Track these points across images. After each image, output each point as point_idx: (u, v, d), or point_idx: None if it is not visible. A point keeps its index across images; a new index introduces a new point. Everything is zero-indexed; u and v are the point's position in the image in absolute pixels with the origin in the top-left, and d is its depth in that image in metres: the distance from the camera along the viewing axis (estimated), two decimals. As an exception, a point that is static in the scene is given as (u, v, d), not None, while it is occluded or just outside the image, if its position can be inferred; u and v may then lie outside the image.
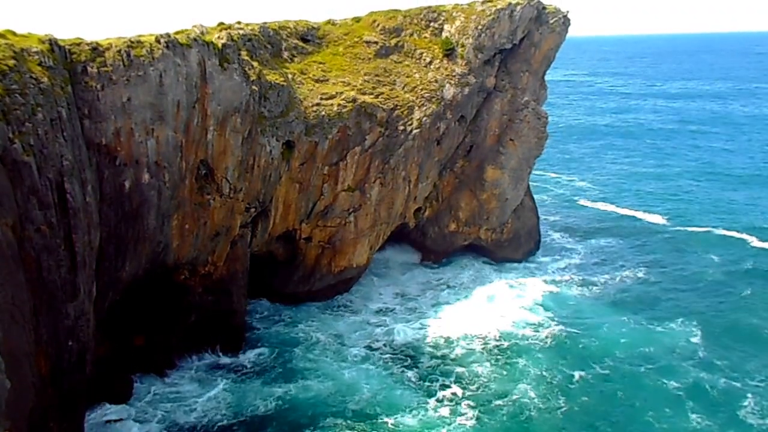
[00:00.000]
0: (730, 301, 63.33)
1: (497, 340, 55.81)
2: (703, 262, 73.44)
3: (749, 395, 46.82)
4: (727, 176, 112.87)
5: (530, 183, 78.05)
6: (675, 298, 63.94)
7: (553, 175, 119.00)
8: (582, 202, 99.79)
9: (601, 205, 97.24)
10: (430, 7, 69.98)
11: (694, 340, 55.26)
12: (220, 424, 44.29)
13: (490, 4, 67.28)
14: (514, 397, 47.19)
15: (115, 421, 43.70)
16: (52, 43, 35.13)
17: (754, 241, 78.96)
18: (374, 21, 68.53)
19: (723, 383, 48.48)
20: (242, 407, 46.21)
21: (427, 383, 49.16)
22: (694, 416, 44.43)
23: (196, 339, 53.50)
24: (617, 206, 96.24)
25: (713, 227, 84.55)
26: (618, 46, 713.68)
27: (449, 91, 64.26)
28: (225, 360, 53.00)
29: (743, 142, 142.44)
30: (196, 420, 44.60)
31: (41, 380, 33.78)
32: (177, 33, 43.93)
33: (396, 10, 70.21)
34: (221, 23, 54.23)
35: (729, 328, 57.56)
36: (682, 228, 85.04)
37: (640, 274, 70.26)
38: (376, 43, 65.80)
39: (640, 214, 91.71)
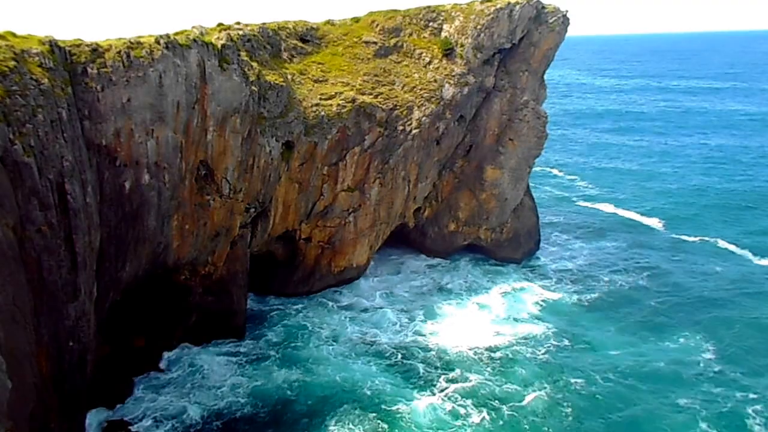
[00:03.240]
0: (736, 310, 61.34)
1: (495, 348, 54.32)
2: (704, 271, 71.16)
3: (761, 408, 45.44)
4: (728, 182, 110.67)
5: (530, 182, 77.79)
6: (678, 308, 62.00)
7: (556, 171, 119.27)
8: (582, 203, 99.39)
9: (602, 206, 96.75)
10: (429, 7, 70.08)
11: (703, 351, 53.62)
12: (240, 412, 45.34)
13: (489, 3, 67.29)
14: (514, 405, 46.15)
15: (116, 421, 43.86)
16: (52, 45, 35.22)
17: (757, 251, 76.99)
18: (373, 21, 68.65)
19: (739, 396, 46.88)
20: (260, 396, 46.99)
21: (428, 385, 48.82)
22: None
23: (196, 340, 53.72)
24: (617, 207, 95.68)
25: (715, 235, 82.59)
26: (619, 46, 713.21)
27: (448, 91, 64.33)
28: (235, 350, 53.70)
29: (748, 146, 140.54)
30: (218, 406, 45.94)
31: (42, 381, 33.84)
32: (176, 34, 44.06)
33: (395, 10, 70.34)
34: (220, 24, 54.28)
35: (737, 338, 55.54)
36: (683, 234, 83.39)
37: (642, 281, 68.50)
38: (375, 43, 65.90)
39: (640, 218, 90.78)
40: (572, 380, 49.19)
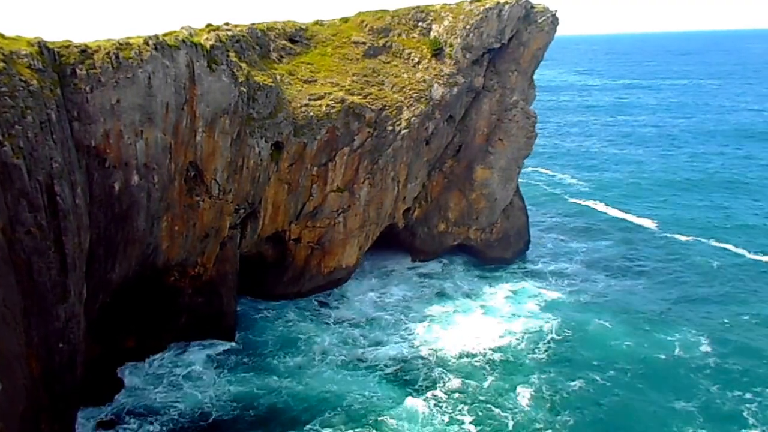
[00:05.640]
0: (732, 306, 61.33)
1: (492, 348, 53.68)
2: (699, 269, 71.31)
3: (757, 407, 45.41)
4: (722, 181, 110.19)
5: (520, 179, 77.67)
6: (675, 306, 62.07)
7: (545, 170, 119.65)
8: (572, 201, 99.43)
9: (592, 204, 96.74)
10: (418, 7, 70.27)
11: (700, 347, 53.67)
12: (227, 413, 45.30)
13: (478, 3, 67.53)
14: (513, 409, 45.53)
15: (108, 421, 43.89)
16: (41, 46, 35.20)
17: (751, 248, 77.05)
18: (362, 21, 68.80)
19: (736, 392, 47.00)
20: (248, 398, 46.94)
21: (424, 391, 48.09)
22: (702, 432, 43.21)
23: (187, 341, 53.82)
24: (608, 206, 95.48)
25: (708, 233, 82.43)
26: (610, 45, 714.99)
27: (438, 91, 64.55)
28: (223, 352, 53.84)
29: (742, 144, 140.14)
30: (205, 406, 46.21)
31: (33, 382, 33.84)
32: (165, 35, 44.04)
33: (384, 11, 70.49)
34: (209, 25, 54.26)
35: (734, 334, 55.95)
36: (675, 233, 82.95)
37: (637, 279, 68.38)
38: (364, 43, 66.05)
39: (632, 216, 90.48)
40: (572, 383, 48.69)
